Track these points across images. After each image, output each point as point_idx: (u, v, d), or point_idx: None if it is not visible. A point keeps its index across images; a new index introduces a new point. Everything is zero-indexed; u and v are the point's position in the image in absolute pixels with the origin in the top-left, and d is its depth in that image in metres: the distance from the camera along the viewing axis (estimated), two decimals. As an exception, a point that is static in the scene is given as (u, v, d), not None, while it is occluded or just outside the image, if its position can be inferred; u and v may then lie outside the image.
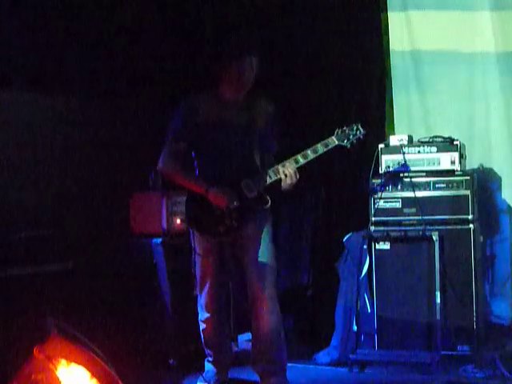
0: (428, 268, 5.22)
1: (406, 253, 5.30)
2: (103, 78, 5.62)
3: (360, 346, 5.29)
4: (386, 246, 5.34)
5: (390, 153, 5.44)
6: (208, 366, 4.81)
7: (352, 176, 5.91)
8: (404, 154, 5.39)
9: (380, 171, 5.44)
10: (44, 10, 5.23)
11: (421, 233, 5.23)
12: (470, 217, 5.25)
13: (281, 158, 4.58)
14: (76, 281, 4.81)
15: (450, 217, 5.27)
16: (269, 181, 4.47)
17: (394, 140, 5.49)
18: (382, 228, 5.37)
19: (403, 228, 5.33)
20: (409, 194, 5.34)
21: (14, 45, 5.06)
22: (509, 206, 5.71)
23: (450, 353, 5.14)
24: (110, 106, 5.70)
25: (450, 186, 5.30)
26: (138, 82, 5.84)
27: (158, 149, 4.60)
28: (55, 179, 5.33)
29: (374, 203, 5.41)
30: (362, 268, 5.36)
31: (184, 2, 6.23)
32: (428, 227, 5.23)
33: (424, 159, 5.40)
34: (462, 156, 5.38)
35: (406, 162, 5.38)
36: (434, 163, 5.38)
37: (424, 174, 5.38)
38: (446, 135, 5.49)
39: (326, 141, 4.56)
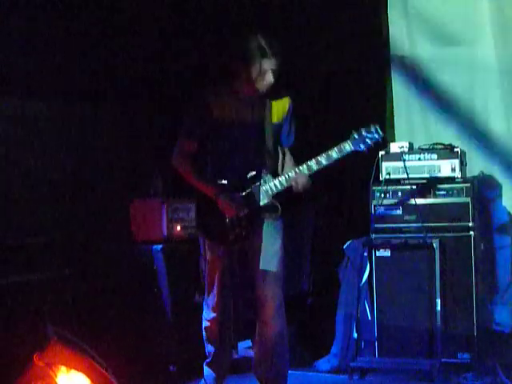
0: (428, 275, 5.22)
1: (407, 260, 5.30)
2: (103, 83, 5.60)
3: (360, 353, 5.29)
4: (386, 253, 5.34)
5: (391, 160, 5.45)
6: (207, 371, 4.79)
7: (352, 183, 5.91)
8: (404, 161, 5.39)
9: (380, 178, 5.44)
10: (44, 10, 5.21)
11: (421, 240, 5.23)
12: (471, 224, 5.24)
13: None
14: (76, 287, 4.81)
15: (451, 224, 5.27)
16: (280, 188, 4.37)
17: (394, 147, 5.49)
18: (382, 235, 5.37)
19: (404, 235, 5.33)
20: (409, 201, 5.34)
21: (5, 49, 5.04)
22: (509, 213, 5.71)
23: (450, 360, 5.14)
24: (111, 112, 5.69)
25: (451, 193, 5.30)
26: (138, 87, 5.83)
27: (158, 155, 4.59)
28: (55, 185, 5.33)
29: (375, 210, 5.41)
30: (363, 275, 5.36)
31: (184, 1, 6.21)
32: (428, 234, 5.23)
33: (424, 166, 5.41)
34: (462, 163, 5.38)
35: (406, 169, 5.38)
36: (434, 170, 5.38)
37: (424, 181, 5.38)
38: (447, 142, 5.50)
39: (340, 146, 4.29)
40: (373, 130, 4.31)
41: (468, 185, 5.29)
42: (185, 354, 5.28)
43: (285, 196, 4.41)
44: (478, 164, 5.77)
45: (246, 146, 4.42)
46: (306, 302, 6.11)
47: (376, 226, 5.40)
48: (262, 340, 4.53)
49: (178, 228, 5.39)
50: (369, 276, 5.35)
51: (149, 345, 5.22)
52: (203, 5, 6.16)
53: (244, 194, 4.38)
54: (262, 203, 4.39)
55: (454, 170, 5.35)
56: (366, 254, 5.35)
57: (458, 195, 5.28)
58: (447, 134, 5.83)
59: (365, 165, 5.48)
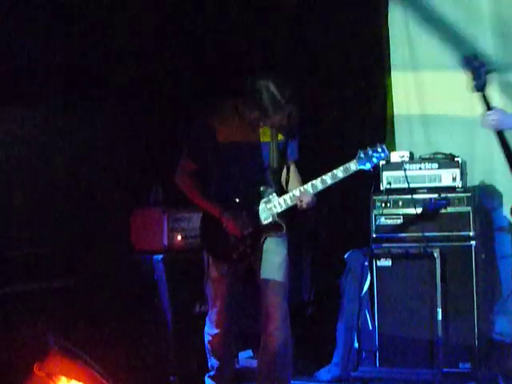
0: (429, 285, 5.21)
1: (408, 270, 5.30)
2: (103, 90, 5.59)
3: (361, 363, 5.28)
4: (387, 262, 5.33)
5: (392, 169, 5.45)
6: (209, 383, 4.78)
7: (353, 192, 5.90)
8: (405, 170, 5.39)
9: (381, 188, 5.44)
10: (44, 10, 5.20)
11: (422, 250, 5.23)
12: (472, 233, 5.24)
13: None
14: (77, 297, 4.80)
15: (452, 233, 5.27)
16: (285, 207, 4.35)
17: (395, 156, 5.49)
18: (383, 245, 5.37)
19: (404, 245, 5.33)
20: (410, 210, 5.34)
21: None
22: (510, 222, 5.69)
23: (451, 370, 5.13)
24: (110, 120, 5.69)
25: (451, 202, 5.30)
26: (140, 96, 5.82)
27: (159, 164, 4.57)
28: (55, 195, 5.32)
29: (375, 220, 5.41)
30: (363, 285, 5.35)
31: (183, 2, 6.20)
32: (429, 244, 5.23)
33: (425, 176, 5.41)
34: (463, 173, 5.38)
35: (407, 178, 5.37)
36: (435, 180, 5.39)
37: (425, 190, 5.38)
38: (447, 152, 5.50)
39: (346, 165, 4.27)
40: (379, 149, 4.29)
41: (469, 194, 5.30)
42: (185, 364, 5.26)
43: (290, 214, 4.41)
44: (479, 173, 5.77)
45: (250, 165, 4.42)
46: (307, 312, 6.10)
47: (377, 235, 5.40)
48: (267, 352, 4.51)
49: (179, 238, 5.38)
50: (370, 286, 5.34)
51: (149, 355, 5.21)
52: (203, 5, 6.17)
53: (248, 212, 4.37)
54: (266, 222, 4.38)
55: (454, 179, 5.35)
56: (366, 263, 5.35)
57: (459, 205, 5.29)
58: (448, 144, 5.83)
59: (365, 174, 5.47)
